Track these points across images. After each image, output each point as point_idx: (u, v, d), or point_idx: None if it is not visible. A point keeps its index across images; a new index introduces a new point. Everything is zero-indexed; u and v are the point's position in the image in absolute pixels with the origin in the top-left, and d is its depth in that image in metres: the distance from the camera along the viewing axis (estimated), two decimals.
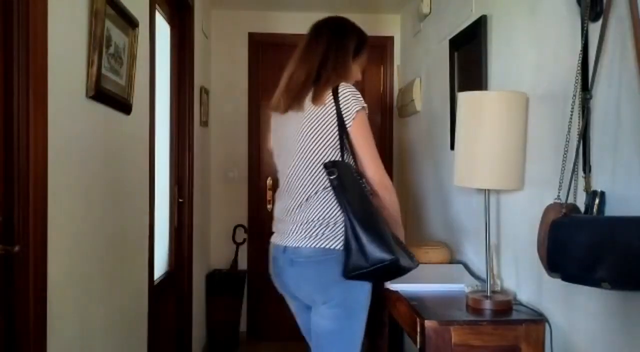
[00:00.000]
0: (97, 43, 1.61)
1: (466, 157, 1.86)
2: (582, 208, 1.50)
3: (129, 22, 1.90)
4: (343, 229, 1.70)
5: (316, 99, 1.75)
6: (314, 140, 1.75)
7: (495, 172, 1.81)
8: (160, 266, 2.74)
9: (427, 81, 3.31)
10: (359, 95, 1.78)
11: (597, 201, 1.44)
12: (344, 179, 1.70)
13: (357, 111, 1.74)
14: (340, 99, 1.73)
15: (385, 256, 1.62)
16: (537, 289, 1.85)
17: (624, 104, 1.40)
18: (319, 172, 1.74)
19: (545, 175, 1.78)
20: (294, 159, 1.81)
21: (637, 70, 1.31)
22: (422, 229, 3.38)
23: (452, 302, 1.95)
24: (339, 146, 1.74)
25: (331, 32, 1.90)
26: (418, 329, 1.76)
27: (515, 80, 2.04)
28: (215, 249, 4.01)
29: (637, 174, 1.35)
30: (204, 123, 3.64)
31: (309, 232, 1.72)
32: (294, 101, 1.80)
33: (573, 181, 1.53)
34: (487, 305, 1.83)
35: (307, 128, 1.76)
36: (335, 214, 1.72)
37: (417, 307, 1.86)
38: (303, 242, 1.72)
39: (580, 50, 1.52)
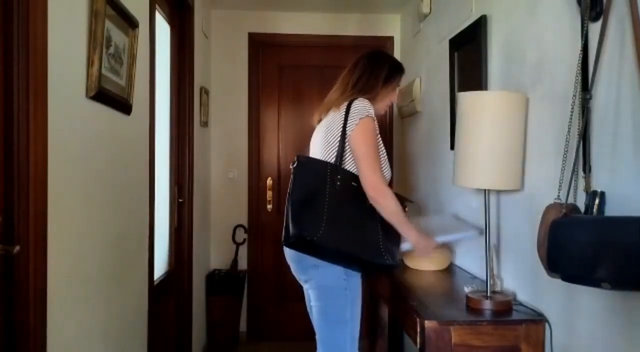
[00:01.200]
0: (97, 43, 1.61)
1: (466, 157, 1.86)
2: (582, 208, 1.50)
3: (129, 22, 1.90)
4: None
5: (335, 108, 2.01)
6: (322, 143, 2.00)
7: (495, 172, 1.81)
8: (160, 266, 2.74)
9: (427, 81, 3.31)
10: (369, 107, 1.96)
11: (597, 201, 1.44)
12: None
13: (361, 118, 1.91)
14: (351, 108, 1.94)
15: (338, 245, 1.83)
16: (537, 289, 1.85)
17: (624, 104, 1.40)
18: None
19: (545, 175, 1.78)
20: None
21: (637, 70, 1.32)
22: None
23: (452, 302, 1.95)
24: (337, 148, 1.93)
25: (367, 61, 2.13)
26: (418, 329, 1.76)
27: (515, 81, 2.04)
28: (215, 249, 4.01)
29: (637, 174, 1.35)
30: (204, 123, 3.64)
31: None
32: (322, 113, 2.11)
33: (573, 181, 1.53)
34: (487, 305, 1.83)
35: (321, 132, 2.04)
36: None
37: (417, 307, 1.86)
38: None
39: (580, 50, 1.53)
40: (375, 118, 1.97)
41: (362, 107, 1.93)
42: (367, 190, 1.88)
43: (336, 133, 1.94)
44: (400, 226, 1.95)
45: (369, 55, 2.15)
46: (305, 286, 2.07)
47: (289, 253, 2.03)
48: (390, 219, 1.92)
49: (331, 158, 1.93)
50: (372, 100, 2.02)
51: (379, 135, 2.00)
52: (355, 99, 1.96)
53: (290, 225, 1.83)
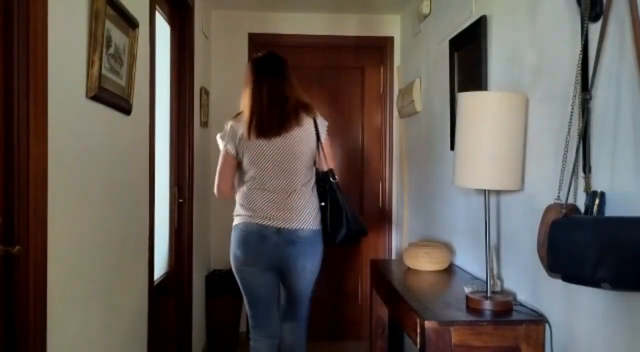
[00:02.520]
0: (97, 43, 1.61)
1: (466, 157, 1.86)
2: (582, 208, 1.50)
3: (129, 22, 1.90)
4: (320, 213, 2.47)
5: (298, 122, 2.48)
6: (309, 153, 2.50)
7: (495, 172, 1.81)
8: (160, 266, 2.74)
9: (427, 82, 3.31)
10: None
11: (597, 201, 1.44)
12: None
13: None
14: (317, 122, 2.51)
15: (362, 226, 2.51)
16: (537, 289, 1.85)
17: (624, 104, 1.40)
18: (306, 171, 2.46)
19: (545, 175, 1.78)
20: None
21: (637, 70, 1.31)
22: (422, 229, 3.39)
23: (452, 303, 1.95)
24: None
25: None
26: (418, 330, 1.76)
27: (515, 81, 2.04)
28: (215, 249, 4.00)
29: (637, 174, 1.35)
30: (204, 123, 3.64)
31: (304, 217, 2.40)
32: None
33: (573, 181, 1.53)
34: (487, 305, 1.83)
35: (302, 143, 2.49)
36: (316, 203, 2.47)
37: (417, 307, 1.86)
38: (301, 225, 2.38)
39: (580, 50, 1.53)
40: None
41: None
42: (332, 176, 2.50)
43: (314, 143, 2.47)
44: None
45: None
46: (298, 268, 2.41)
47: (296, 248, 2.38)
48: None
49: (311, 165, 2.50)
50: None
51: None
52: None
53: (355, 226, 2.45)
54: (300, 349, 2.57)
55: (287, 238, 2.36)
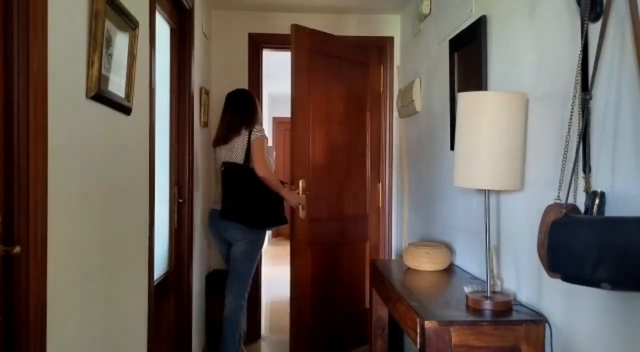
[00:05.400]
0: (97, 43, 1.61)
1: (466, 157, 1.86)
2: (582, 208, 1.50)
3: (129, 22, 1.90)
4: None
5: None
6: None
7: (495, 172, 1.81)
8: (160, 266, 2.74)
9: (427, 81, 3.31)
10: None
11: (597, 201, 1.44)
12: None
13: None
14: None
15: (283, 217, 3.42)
16: (537, 289, 1.85)
17: (624, 104, 1.40)
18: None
19: (545, 175, 1.78)
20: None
21: (637, 70, 1.32)
22: (422, 229, 3.39)
23: (452, 303, 1.95)
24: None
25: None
26: (418, 330, 1.76)
27: (515, 81, 2.04)
28: (215, 249, 4.00)
29: (637, 174, 1.35)
30: (204, 123, 3.64)
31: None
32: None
33: (573, 182, 1.53)
34: (487, 305, 1.83)
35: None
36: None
37: (417, 307, 1.86)
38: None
39: (580, 51, 1.53)
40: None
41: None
42: (260, 175, 3.22)
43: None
44: (279, 192, 3.30)
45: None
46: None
47: (229, 224, 3.30)
48: (276, 189, 3.30)
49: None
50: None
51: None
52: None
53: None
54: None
55: None
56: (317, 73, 3.54)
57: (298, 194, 3.37)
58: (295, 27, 3.38)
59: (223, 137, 3.34)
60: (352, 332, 3.77)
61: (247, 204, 3.24)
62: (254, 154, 3.22)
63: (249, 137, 3.26)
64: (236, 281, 3.31)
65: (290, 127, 3.47)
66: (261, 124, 3.46)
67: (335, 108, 3.70)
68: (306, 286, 3.46)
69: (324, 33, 3.62)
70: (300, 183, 3.39)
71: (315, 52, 3.52)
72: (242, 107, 3.38)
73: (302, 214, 3.38)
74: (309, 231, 3.47)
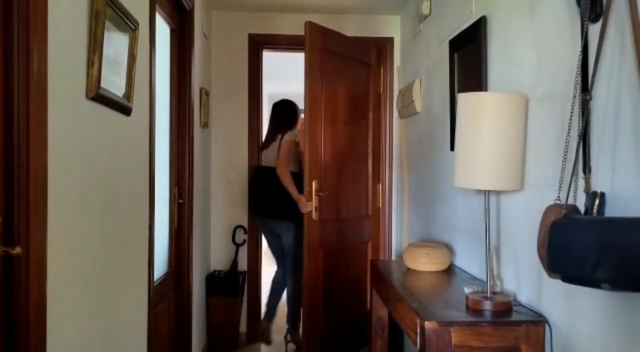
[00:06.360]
0: (97, 44, 1.61)
1: (466, 157, 1.87)
2: (582, 209, 1.50)
3: (129, 23, 1.90)
4: None
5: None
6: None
7: (495, 172, 1.81)
8: (160, 266, 2.74)
9: (427, 82, 3.31)
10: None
11: (597, 201, 1.44)
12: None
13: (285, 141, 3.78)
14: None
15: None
16: (537, 290, 1.85)
17: (624, 104, 1.40)
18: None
19: (545, 176, 1.78)
20: None
21: (637, 70, 1.32)
22: (422, 229, 3.39)
23: (452, 303, 1.95)
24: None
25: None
26: (418, 330, 1.76)
27: (515, 81, 2.05)
28: (215, 250, 4.01)
29: (637, 174, 1.35)
30: (204, 124, 3.64)
31: None
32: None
33: (573, 182, 1.53)
34: (487, 306, 1.83)
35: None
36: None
37: (417, 308, 1.86)
38: None
39: (580, 51, 1.53)
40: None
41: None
42: (278, 173, 3.69)
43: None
44: (291, 193, 3.59)
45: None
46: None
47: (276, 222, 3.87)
48: (288, 188, 3.63)
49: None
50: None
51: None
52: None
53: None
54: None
55: None
56: (328, 72, 3.49)
57: (311, 197, 3.36)
58: (310, 25, 3.35)
59: (265, 142, 3.96)
60: (355, 333, 3.76)
61: (277, 201, 3.71)
62: (279, 154, 3.70)
63: (280, 141, 3.75)
64: (293, 264, 3.82)
65: (305, 127, 3.36)
66: (296, 129, 3.92)
67: (341, 108, 3.68)
68: (317, 288, 3.45)
69: (335, 31, 3.59)
70: (313, 185, 3.35)
71: (327, 51, 3.48)
72: (280, 115, 3.96)
73: (314, 215, 3.37)
74: (320, 233, 3.45)
